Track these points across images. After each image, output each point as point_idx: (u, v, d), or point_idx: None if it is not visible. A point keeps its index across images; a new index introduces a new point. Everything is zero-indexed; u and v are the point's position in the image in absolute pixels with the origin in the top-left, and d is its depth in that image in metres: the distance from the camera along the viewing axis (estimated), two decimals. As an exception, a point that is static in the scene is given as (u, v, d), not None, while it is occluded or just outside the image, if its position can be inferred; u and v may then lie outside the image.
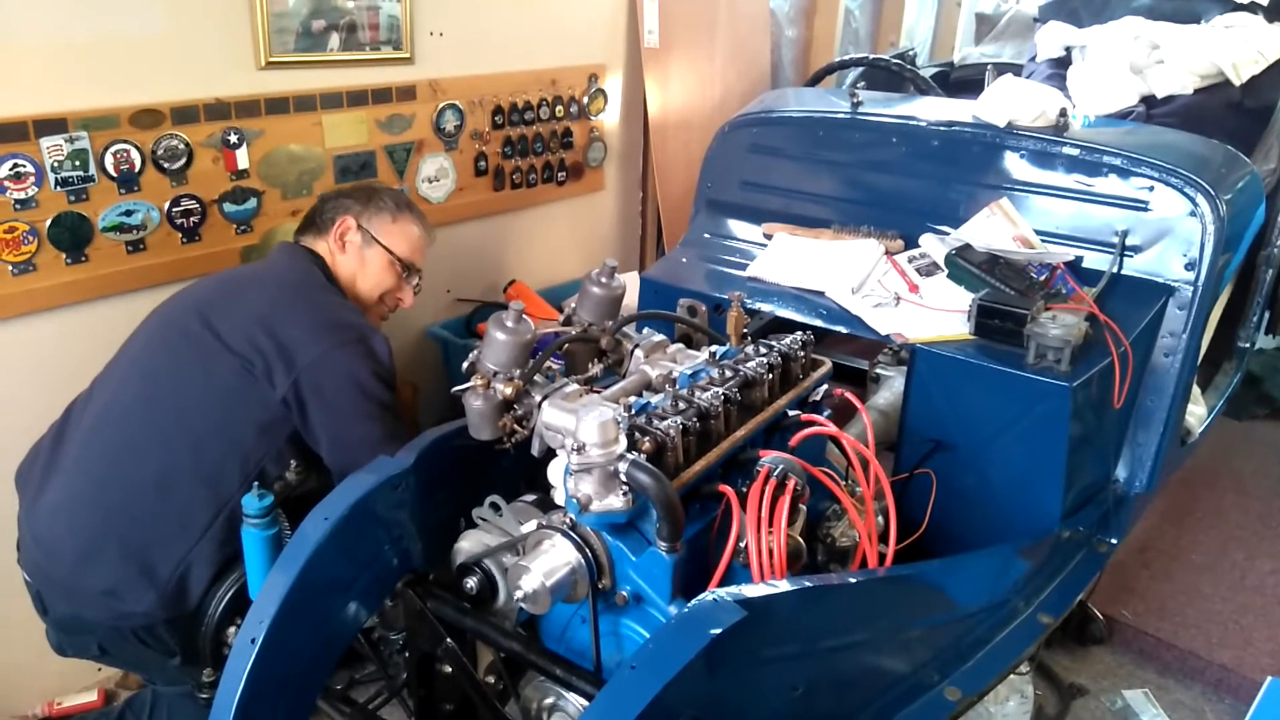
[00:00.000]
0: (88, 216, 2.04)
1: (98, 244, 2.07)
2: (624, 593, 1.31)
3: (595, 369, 1.61)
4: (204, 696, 1.62)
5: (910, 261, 2.11)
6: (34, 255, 1.98)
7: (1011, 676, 1.80)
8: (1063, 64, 3.01)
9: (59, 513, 1.74)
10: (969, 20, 4.66)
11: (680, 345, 1.69)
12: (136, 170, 2.08)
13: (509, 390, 1.43)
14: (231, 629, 1.68)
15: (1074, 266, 1.97)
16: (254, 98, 2.25)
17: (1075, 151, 2.00)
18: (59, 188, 1.98)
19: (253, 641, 1.32)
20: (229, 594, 1.69)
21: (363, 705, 1.63)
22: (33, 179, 1.94)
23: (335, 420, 1.76)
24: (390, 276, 2.05)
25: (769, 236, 2.32)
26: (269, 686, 1.34)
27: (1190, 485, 3.00)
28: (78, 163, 1.99)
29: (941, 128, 2.17)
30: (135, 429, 1.76)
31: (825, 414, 1.60)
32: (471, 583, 1.44)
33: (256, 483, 1.55)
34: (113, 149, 2.04)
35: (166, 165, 2.13)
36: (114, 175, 2.05)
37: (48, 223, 1.98)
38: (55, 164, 1.96)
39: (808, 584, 1.27)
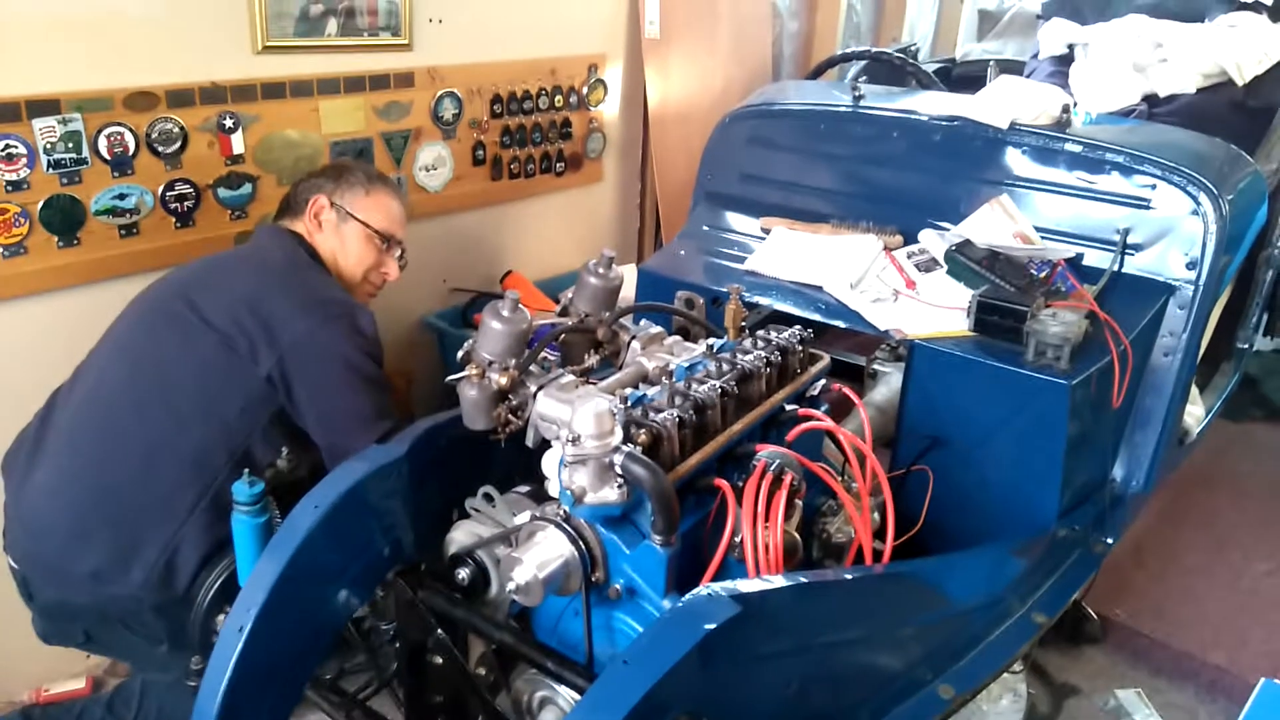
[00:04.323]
0: (80, 199, 2.01)
1: (90, 227, 2.05)
2: (617, 586, 1.29)
3: (591, 360, 1.60)
4: (192, 684, 1.60)
5: (909, 257, 2.09)
6: (25, 238, 1.96)
7: (1005, 675, 1.80)
8: (1065, 61, 2.99)
9: (46, 494, 1.73)
10: (971, 16, 4.65)
11: (677, 338, 1.67)
12: (130, 153, 2.06)
13: (504, 380, 1.42)
14: (221, 616, 1.66)
15: (1074, 264, 1.96)
16: (250, 82, 2.23)
17: (1077, 148, 1.99)
18: (51, 170, 1.96)
19: (240, 630, 1.31)
20: (219, 580, 1.67)
21: (352, 695, 1.61)
22: (24, 160, 1.91)
23: (323, 397, 1.75)
24: (371, 250, 2.03)
25: (767, 230, 2.31)
26: (256, 675, 1.33)
27: (1187, 486, 2.99)
28: (71, 145, 1.97)
29: (943, 122, 2.15)
30: (121, 410, 1.75)
31: (822, 409, 1.59)
32: (464, 573, 1.43)
33: (247, 470, 1.53)
34: (106, 131, 2.01)
35: (161, 149, 2.11)
36: (107, 158, 2.03)
37: (39, 205, 1.96)
38: (48, 145, 1.94)
39: (803, 580, 1.26)
